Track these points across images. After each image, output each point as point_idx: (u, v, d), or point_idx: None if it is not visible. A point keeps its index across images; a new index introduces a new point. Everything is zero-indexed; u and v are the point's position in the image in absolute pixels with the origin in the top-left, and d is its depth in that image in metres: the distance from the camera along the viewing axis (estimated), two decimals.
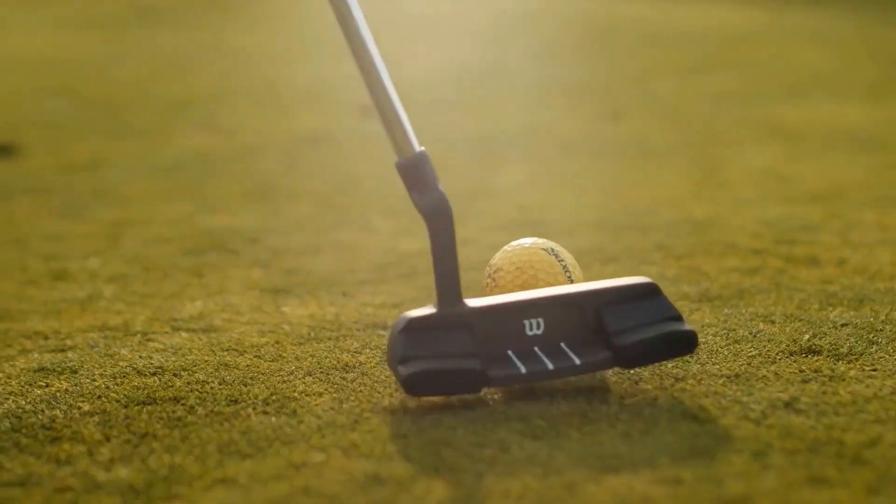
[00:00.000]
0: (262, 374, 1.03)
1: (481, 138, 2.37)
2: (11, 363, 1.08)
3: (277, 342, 1.12)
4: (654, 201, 1.76)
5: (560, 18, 4.81)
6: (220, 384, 1.00)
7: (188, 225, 1.65)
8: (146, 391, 0.99)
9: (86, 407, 0.96)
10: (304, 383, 1.00)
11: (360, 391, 0.98)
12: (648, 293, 0.96)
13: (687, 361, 1.03)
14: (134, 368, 1.05)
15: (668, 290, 1.26)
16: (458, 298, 0.93)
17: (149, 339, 1.14)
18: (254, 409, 0.95)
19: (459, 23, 4.65)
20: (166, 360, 1.06)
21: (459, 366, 0.91)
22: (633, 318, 0.95)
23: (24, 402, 0.97)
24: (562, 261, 1.07)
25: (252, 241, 1.55)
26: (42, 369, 1.05)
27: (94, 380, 1.02)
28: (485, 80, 3.24)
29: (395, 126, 0.95)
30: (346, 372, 1.03)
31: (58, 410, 0.95)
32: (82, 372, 1.04)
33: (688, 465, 0.81)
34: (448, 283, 0.94)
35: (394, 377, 0.96)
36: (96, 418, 0.93)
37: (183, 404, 0.96)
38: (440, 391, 0.92)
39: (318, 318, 1.20)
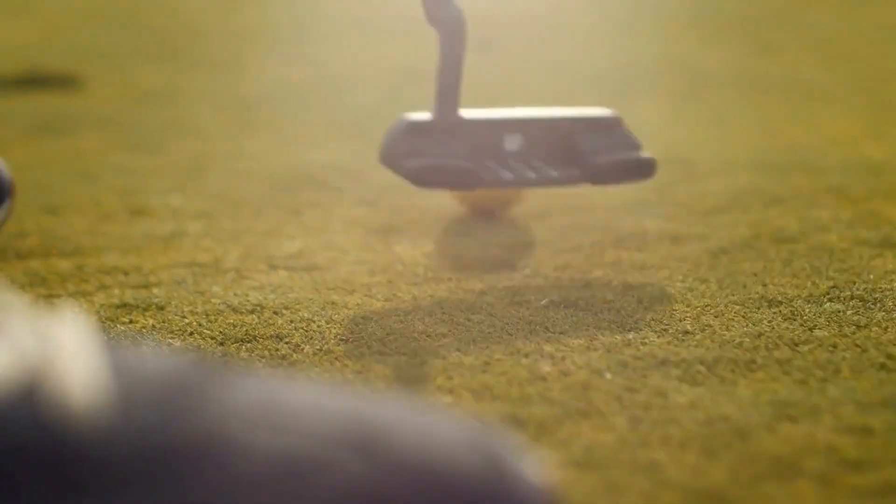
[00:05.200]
0: (375, 313, 1.04)
1: (612, 70, 2.36)
2: (89, 298, 1.10)
3: (390, 281, 1.13)
4: (821, 141, 1.75)
5: None
6: (328, 323, 1.02)
7: (277, 160, 1.68)
8: (244, 328, 1.01)
9: (176, 343, 0.98)
10: (424, 324, 1.02)
11: (490, 332, 0.99)
12: (616, 124, 1.18)
13: (870, 308, 1.03)
14: (228, 306, 1.07)
15: (845, 235, 1.26)
16: (456, 109, 1.14)
17: (243, 277, 1.16)
18: (368, 348, 0.96)
19: None
20: (265, 298, 1.09)
21: (458, 164, 1.12)
22: (603, 143, 1.17)
23: (106, 338, 0.99)
24: None
25: (354, 177, 1.56)
26: (125, 305, 1.08)
27: (185, 316, 1.04)
28: (612, 7, 3.23)
29: None
30: (472, 313, 1.04)
31: (145, 346, 0.97)
32: (170, 308, 1.07)
33: (877, 413, 0.81)
34: (450, 94, 1.14)
35: (396, 175, 1.15)
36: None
37: (287, 342, 0.98)
38: (440, 185, 1.12)
39: (435, 257, 1.21)
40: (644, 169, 1.18)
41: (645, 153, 1.19)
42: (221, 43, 2.81)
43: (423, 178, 1.12)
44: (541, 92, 2.19)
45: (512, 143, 1.16)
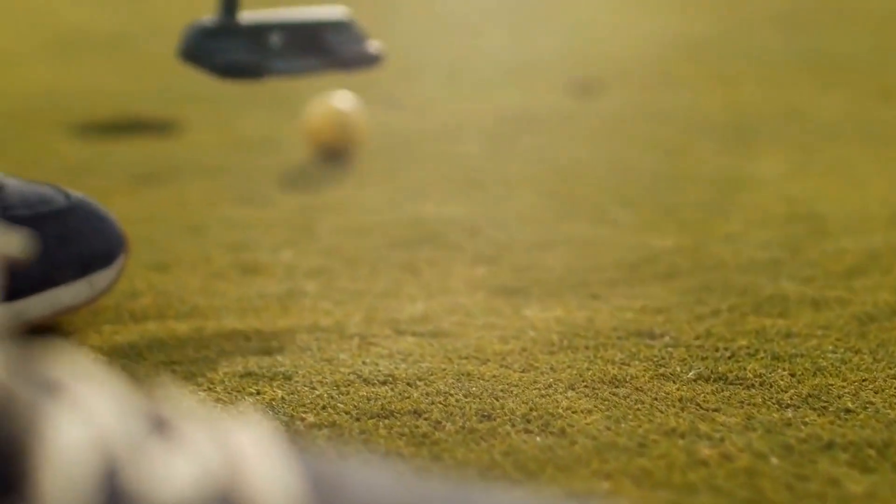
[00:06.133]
0: (514, 385, 1.01)
1: (728, 120, 2.32)
2: (212, 366, 1.08)
3: (524, 349, 1.10)
4: None
5: None
6: (466, 396, 0.99)
7: (388, 214, 1.65)
8: (379, 402, 0.98)
9: (310, 418, 0.95)
10: (567, 398, 0.98)
11: (639, 409, 0.96)
12: (351, 21, 1.38)
13: None
14: (359, 376, 1.04)
15: None
16: (236, 14, 1.32)
17: (370, 344, 1.13)
18: (512, 426, 0.93)
19: None
20: (396, 368, 1.05)
21: (252, 58, 1.32)
22: (344, 40, 1.38)
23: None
24: None
25: (471, 233, 1.53)
26: (250, 374, 1.05)
27: (314, 388, 1.01)
28: (722, 53, 3.19)
29: None
30: (616, 387, 1.01)
31: (277, 422, 0.95)
32: (297, 378, 1.04)
33: None
34: (231, 2, 1.32)
35: (200, 69, 1.32)
36: (325, 432, 0.93)
37: (426, 419, 0.95)
38: (240, 76, 1.30)
39: (567, 323, 1.18)
40: (375, 60, 1.40)
41: (374, 48, 1.40)
42: (321, 89, 2.79)
43: (229, 72, 1.32)
44: (651, 139, 2.15)
45: (276, 41, 1.36)
